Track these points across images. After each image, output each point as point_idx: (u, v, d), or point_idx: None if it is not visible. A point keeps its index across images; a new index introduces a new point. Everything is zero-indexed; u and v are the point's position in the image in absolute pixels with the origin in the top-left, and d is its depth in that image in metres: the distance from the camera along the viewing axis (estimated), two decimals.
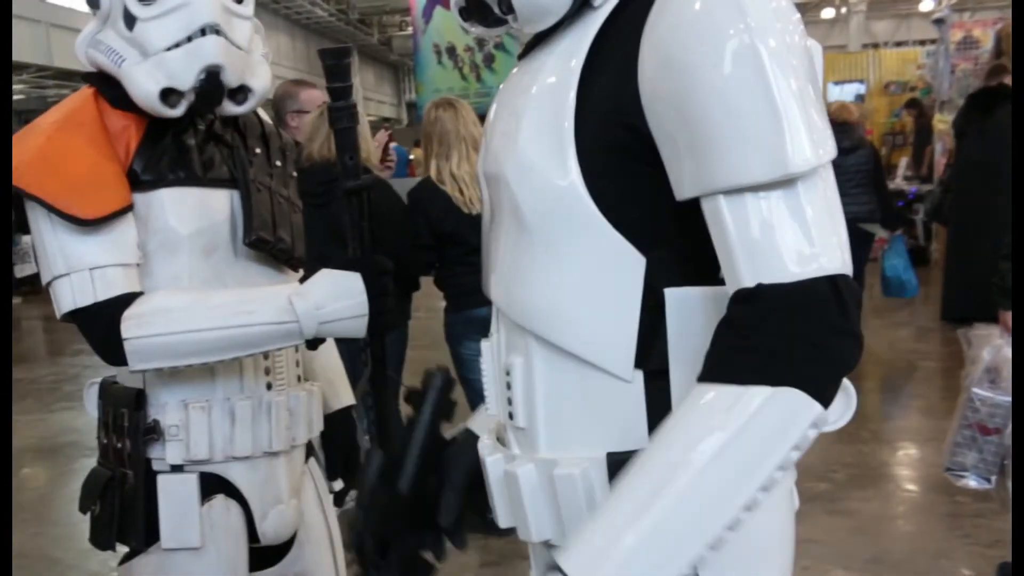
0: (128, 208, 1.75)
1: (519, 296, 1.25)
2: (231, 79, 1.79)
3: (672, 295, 1.17)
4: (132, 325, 1.69)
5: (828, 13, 24.87)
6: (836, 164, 1.14)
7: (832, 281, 1.04)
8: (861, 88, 14.78)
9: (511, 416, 1.28)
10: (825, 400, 1.04)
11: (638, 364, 1.18)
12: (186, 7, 1.75)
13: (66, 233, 1.71)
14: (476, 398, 3.77)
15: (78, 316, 1.72)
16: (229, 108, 1.84)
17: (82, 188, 1.72)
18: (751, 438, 1.03)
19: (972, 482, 3.20)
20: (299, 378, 2.01)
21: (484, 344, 1.36)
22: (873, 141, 13.58)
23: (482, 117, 3.82)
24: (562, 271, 1.20)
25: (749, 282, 1.05)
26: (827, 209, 1.07)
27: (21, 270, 13.02)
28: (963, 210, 4.40)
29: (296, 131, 4.31)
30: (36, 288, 13.85)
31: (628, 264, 1.17)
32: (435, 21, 16.76)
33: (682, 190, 1.11)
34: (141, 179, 1.79)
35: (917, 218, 10.90)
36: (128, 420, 1.83)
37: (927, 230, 10.83)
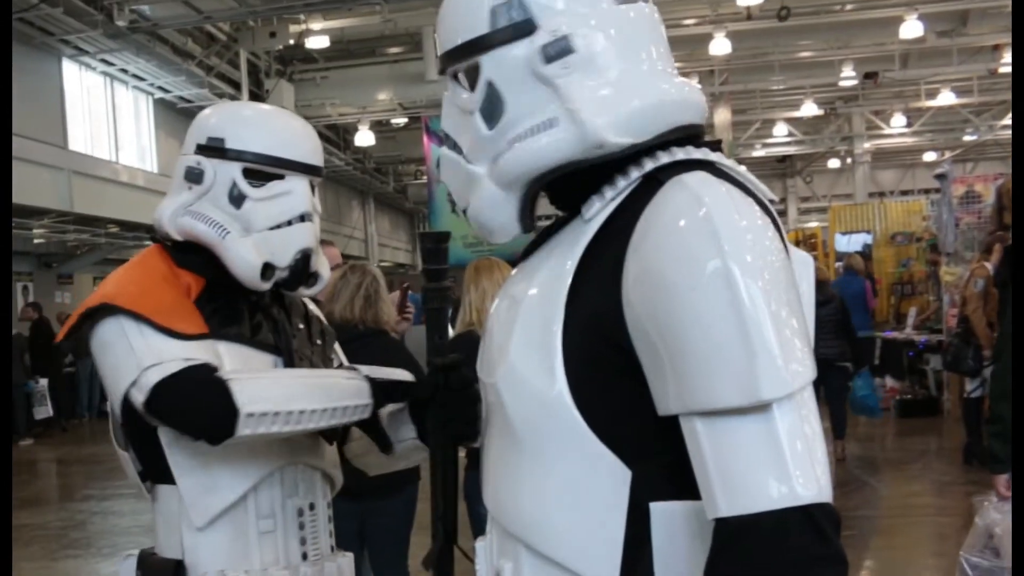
0: (205, 335, 1.86)
1: (508, 503, 1.28)
2: (314, 264, 1.99)
3: (658, 510, 1.19)
4: (234, 378, 1.75)
5: (834, 163, 25.44)
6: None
7: (806, 511, 1.05)
8: (868, 238, 15.01)
9: None
10: None
11: (624, 575, 1.19)
12: (290, 194, 1.95)
13: (160, 339, 1.79)
14: None
15: (168, 389, 1.72)
16: (301, 289, 2.02)
17: (172, 312, 1.84)
18: None
19: None
20: (332, 548, 2.07)
21: (478, 544, 1.38)
22: (883, 291, 13.78)
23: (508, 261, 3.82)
24: (549, 481, 1.22)
25: (725, 511, 1.07)
26: (803, 434, 1.08)
27: (37, 412, 13.08)
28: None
29: None
30: (49, 431, 13.91)
31: (614, 476, 1.19)
32: None
33: (663, 406, 1.15)
34: None
35: (928, 368, 10.91)
36: None
37: (938, 380, 10.81)
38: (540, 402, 1.22)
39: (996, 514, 3.00)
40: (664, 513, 1.18)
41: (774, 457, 1.06)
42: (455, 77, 1.37)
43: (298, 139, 1.99)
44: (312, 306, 2.22)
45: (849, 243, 15.03)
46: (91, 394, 14.83)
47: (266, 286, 1.93)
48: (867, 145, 23.05)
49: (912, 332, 11.35)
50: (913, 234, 14.30)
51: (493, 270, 4.10)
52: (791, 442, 1.07)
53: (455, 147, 1.38)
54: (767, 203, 1.26)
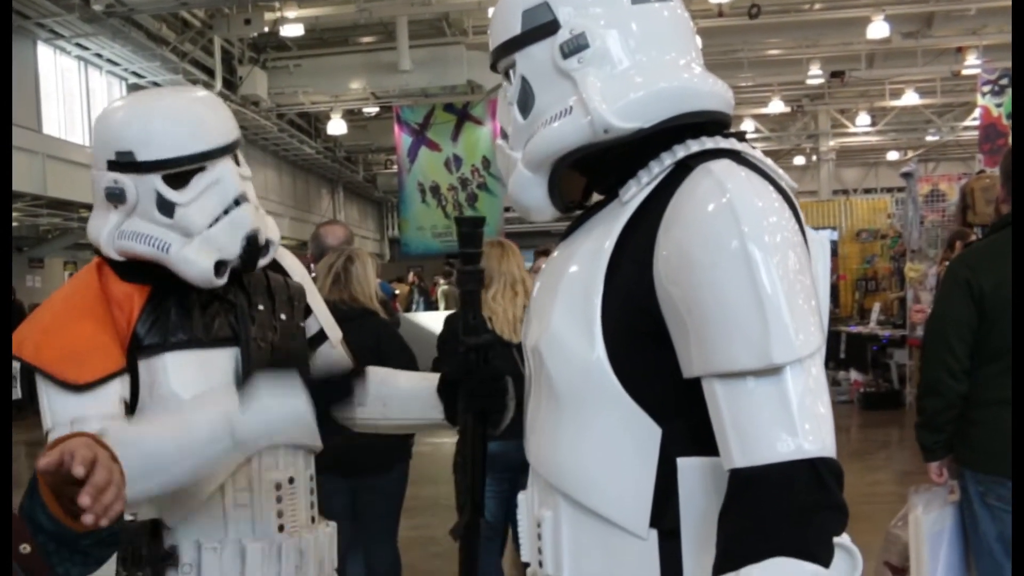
0: (118, 372, 1.86)
1: (549, 457, 1.41)
2: (263, 238, 1.94)
3: (684, 464, 1.31)
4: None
5: (800, 160, 25.77)
6: None
7: (811, 463, 1.17)
8: (834, 235, 15.23)
9: (541, 564, 1.43)
10: (817, 558, 1.15)
11: (653, 523, 1.32)
12: (217, 184, 1.88)
13: (56, 395, 1.83)
14: (485, 531, 3.84)
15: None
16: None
17: (77, 357, 1.84)
18: None
19: None
20: (313, 519, 2.07)
21: (521, 496, 1.50)
22: (847, 286, 14.01)
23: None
24: (587, 437, 1.35)
25: (739, 462, 1.20)
26: (810, 395, 1.20)
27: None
28: None
29: None
30: (21, 413, 13.82)
31: (646, 433, 1.32)
32: (420, 161, 17.13)
33: (687, 369, 1.28)
34: (144, 344, 1.89)
35: (891, 362, 11.14)
36: (146, 548, 1.91)
37: (901, 374, 11.07)
38: (580, 365, 1.34)
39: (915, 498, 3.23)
40: (689, 467, 1.30)
41: (783, 415, 1.18)
42: (506, 74, 1.50)
43: (207, 123, 1.90)
44: (298, 273, 2.19)
45: None
46: None
47: (223, 281, 1.90)
48: (832, 143, 23.40)
49: (876, 327, 11.59)
50: (878, 231, 14.54)
51: (503, 254, 3.99)
52: (799, 402, 1.18)
53: (505, 136, 1.52)
54: (787, 189, 1.38)
